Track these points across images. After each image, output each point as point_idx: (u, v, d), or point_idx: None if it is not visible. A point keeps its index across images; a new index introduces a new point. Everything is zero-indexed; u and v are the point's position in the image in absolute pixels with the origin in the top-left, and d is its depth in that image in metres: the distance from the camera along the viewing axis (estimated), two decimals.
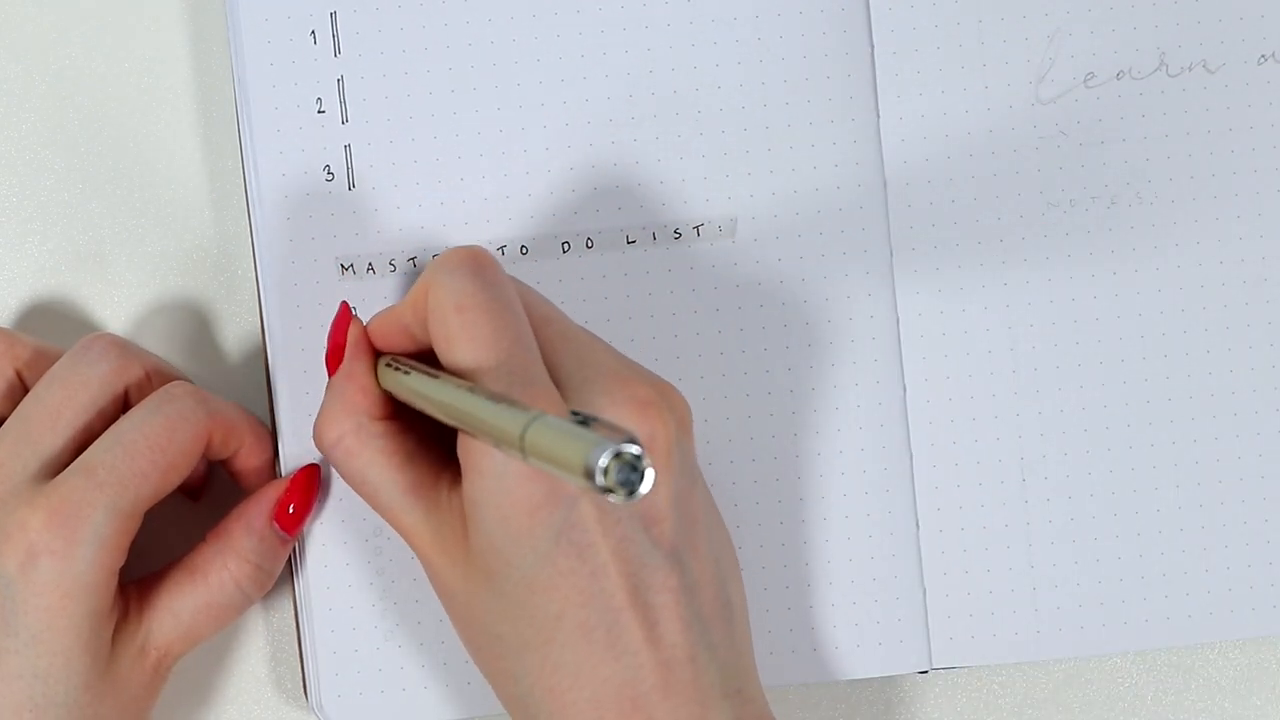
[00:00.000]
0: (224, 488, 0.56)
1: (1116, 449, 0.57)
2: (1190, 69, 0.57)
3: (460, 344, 0.47)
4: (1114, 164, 0.57)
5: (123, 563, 0.50)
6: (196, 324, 0.58)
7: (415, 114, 0.56)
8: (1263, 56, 0.57)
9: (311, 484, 0.55)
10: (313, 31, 0.56)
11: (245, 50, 0.56)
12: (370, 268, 0.56)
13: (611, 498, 0.38)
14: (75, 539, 0.49)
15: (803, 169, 0.57)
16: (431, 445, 0.51)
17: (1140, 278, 0.57)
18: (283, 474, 0.56)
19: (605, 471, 0.38)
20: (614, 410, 0.47)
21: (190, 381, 0.55)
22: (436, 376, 0.47)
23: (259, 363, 0.57)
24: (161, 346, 0.57)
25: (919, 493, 0.57)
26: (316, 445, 0.52)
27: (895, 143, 0.57)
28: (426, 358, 0.50)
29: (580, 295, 0.56)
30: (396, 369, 0.50)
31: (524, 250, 0.56)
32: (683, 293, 0.56)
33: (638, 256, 0.56)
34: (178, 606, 0.53)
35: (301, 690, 0.58)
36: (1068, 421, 0.57)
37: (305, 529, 0.56)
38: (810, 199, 0.57)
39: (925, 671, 0.57)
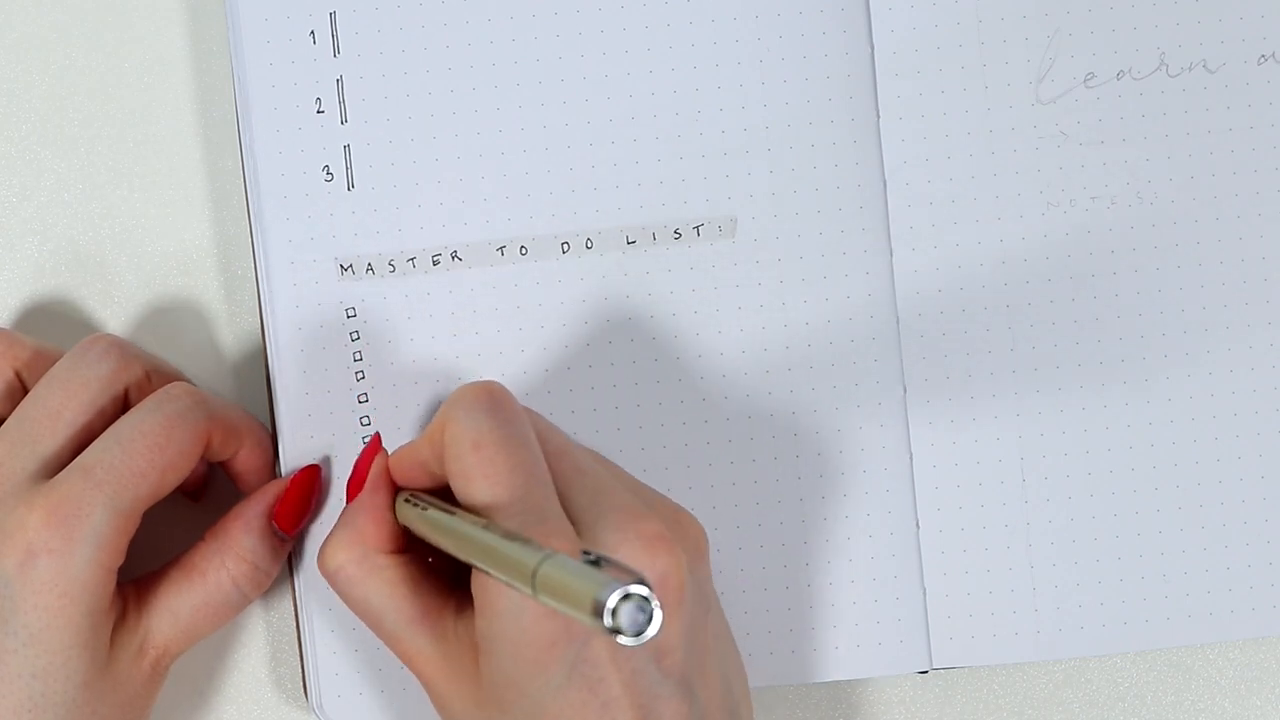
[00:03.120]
0: (223, 488, 0.56)
1: (1116, 449, 0.57)
2: (1190, 69, 0.57)
3: (476, 481, 0.48)
4: (1114, 164, 0.57)
5: (121, 562, 0.50)
6: (196, 324, 0.58)
7: (415, 114, 0.56)
8: (1263, 56, 0.57)
9: (311, 484, 0.55)
10: (312, 31, 0.56)
11: (245, 50, 0.56)
12: (370, 268, 0.56)
13: (620, 639, 0.38)
14: (74, 538, 0.49)
15: (803, 169, 0.57)
16: (437, 575, 0.52)
17: (1140, 278, 0.57)
18: (282, 474, 0.56)
19: (614, 613, 0.38)
20: (626, 547, 0.47)
21: (190, 382, 0.55)
22: (453, 513, 0.48)
23: (259, 363, 0.58)
24: (161, 346, 0.57)
25: (919, 493, 0.57)
26: (319, 569, 0.52)
27: (895, 143, 0.57)
28: (443, 494, 0.51)
29: (580, 295, 0.56)
30: (415, 504, 0.50)
31: (524, 250, 0.56)
32: (683, 293, 0.56)
33: (638, 256, 0.56)
34: (176, 605, 0.53)
35: (301, 690, 0.58)
36: (1068, 421, 0.57)
37: (304, 529, 0.56)
38: (810, 199, 0.57)
39: (925, 671, 0.57)
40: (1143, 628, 0.57)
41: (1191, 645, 0.58)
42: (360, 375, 0.56)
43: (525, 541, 0.43)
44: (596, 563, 0.42)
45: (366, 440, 0.56)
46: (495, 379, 0.54)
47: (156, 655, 0.52)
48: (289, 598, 0.57)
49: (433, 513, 0.49)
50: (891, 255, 0.57)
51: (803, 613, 0.56)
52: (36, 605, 0.49)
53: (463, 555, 0.46)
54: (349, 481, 0.54)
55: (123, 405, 0.52)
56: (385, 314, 0.56)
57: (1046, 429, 0.57)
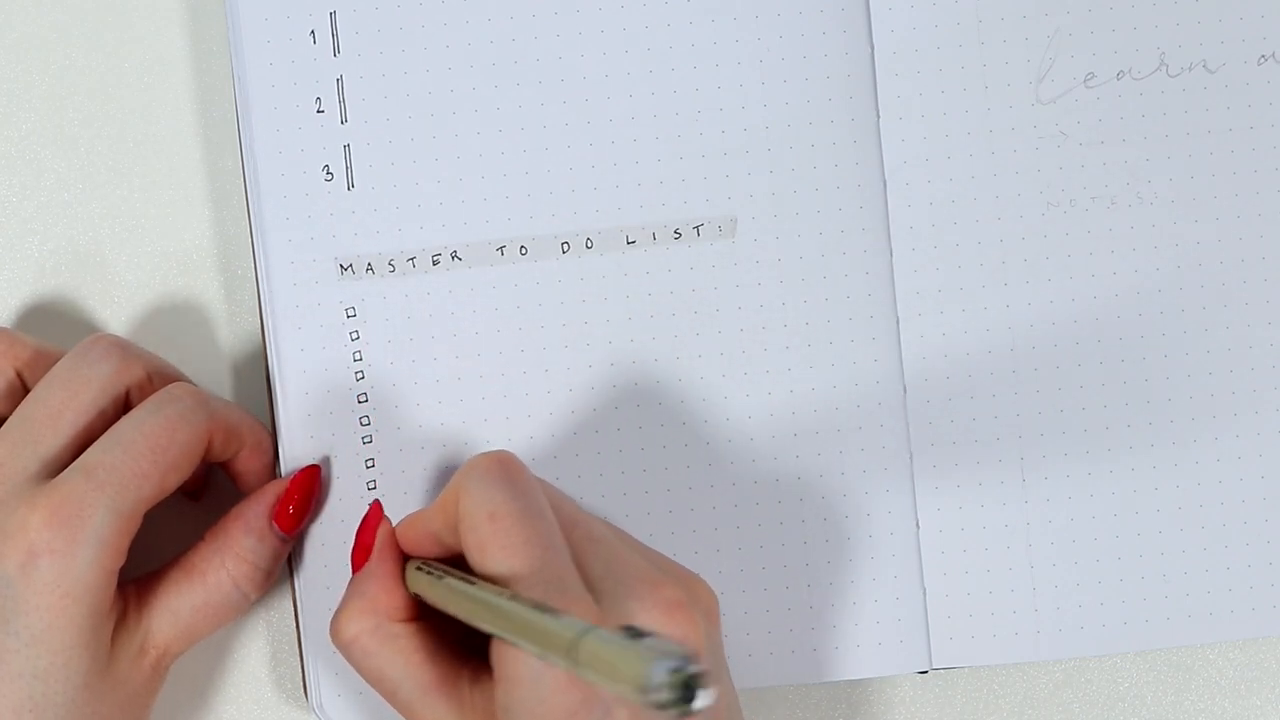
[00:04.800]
0: (224, 488, 0.56)
1: (1116, 449, 0.57)
2: (1190, 69, 0.57)
3: (494, 552, 0.48)
4: (1114, 164, 0.57)
5: (123, 563, 0.50)
6: (196, 324, 0.58)
7: (415, 114, 0.56)
8: (1263, 56, 0.57)
9: (311, 484, 0.55)
10: (312, 31, 0.56)
11: (245, 50, 0.56)
12: (370, 268, 0.56)
13: (668, 712, 0.38)
14: (75, 539, 0.49)
15: (803, 169, 0.57)
16: (448, 642, 0.51)
17: (1140, 278, 0.57)
18: (282, 474, 0.56)
19: (662, 686, 0.38)
20: (645, 614, 0.47)
21: (191, 382, 0.55)
22: (473, 583, 0.47)
23: (259, 363, 0.58)
24: (161, 346, 0.57)
25: (919, 493, 0.57)
26: (332, 641, 0.51)
27: (895, 142, 0.57)
28: (452, 562, 0.50)
29: (580, 295, 0.56)
30: (428, 573, 0.50)
31: (524, 250, 0.56)
32: (683, 293, 0.56)
33: (638, 256, 0.56)
34: (176, 606, 0.53)
35: (301, 690, 0.58)
36: (1068, 421, 0.57)
37: (304, 529, 0.56)
38: (810, 199, 0.57)
39: (925, 671, 0.57)
40: (1143, 628, 0.57)
41: (1191, 645, 0.58)
42: (360, 375, 0.56)
43: (556, 613, 0.43)
44: (638, 636, 0.42)
45: (367, 448, 0.56)
46: (502, 433, 0.55)
47: (157, 655, 0.52)
48: (289, 598, 0.57)
49: (451, 581, 0.48)
50: (891, 255, 0.57)
51: (803, 613, 0.56)
52: (38, 606, 0.49)
53: (486, 626, 0.46)
54: (353, 550, 0.53)
55: (123, 406, 0.52)
56: (385, 314, 0.56)
57: (1046, 429, 0.57)
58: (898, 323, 0.57)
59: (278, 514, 0.54)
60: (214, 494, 0.57)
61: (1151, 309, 0.57)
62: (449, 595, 0.48)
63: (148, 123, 0.58)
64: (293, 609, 0.57)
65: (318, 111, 0.56)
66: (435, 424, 0.56)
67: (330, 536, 0.56)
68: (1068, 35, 0.57)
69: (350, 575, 0.53)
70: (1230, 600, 0.57)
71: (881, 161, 0.57)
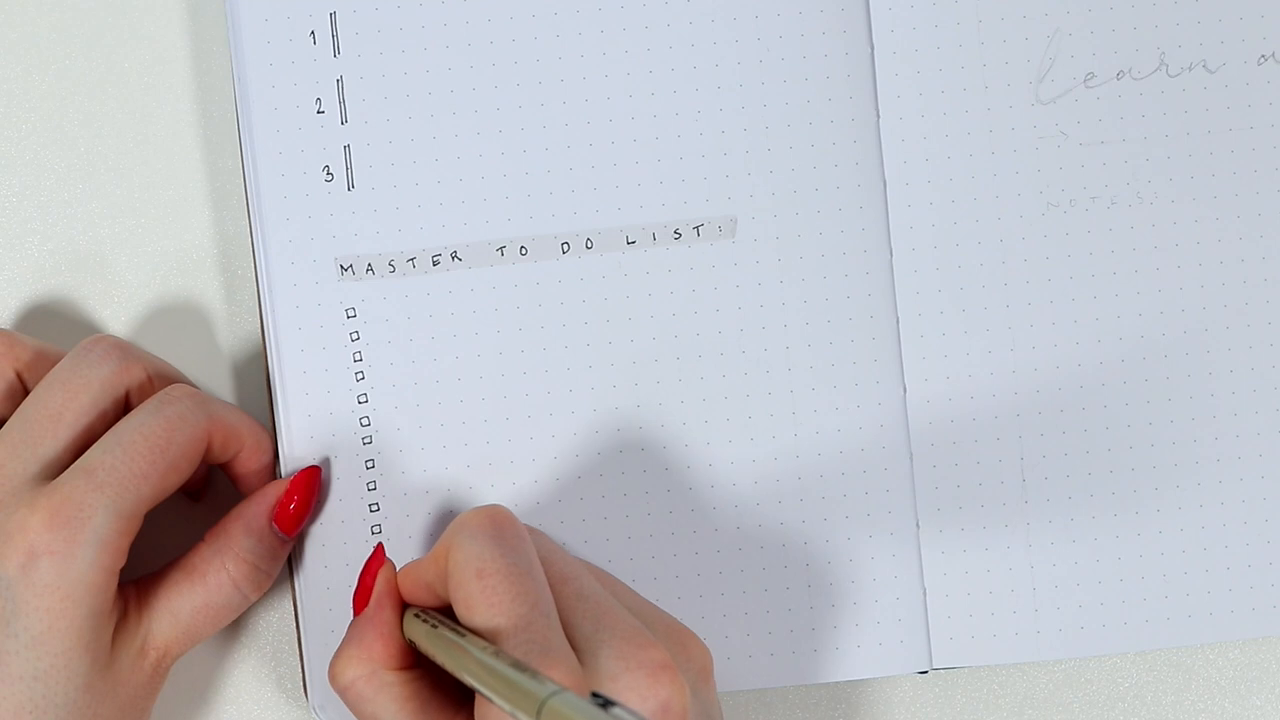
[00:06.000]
0: (224, 488, 0.56)
1: (1116, 449, 0.57)
2: (1190, 69, 0.57)
3: (479, 609, 0.48)
4: (1114, 164, 0.57)
5: (123, 564, 0.50)
6: (196, 324, 0.58)
7: (415, 114, 0.56)
8: (1263, 56, 0.57)
9: (311, 485, 0.55)
10: (312, 32, 0.56)
11: (245, 50, 0.56)
12: (370, 268, 0.56)
13: None
14: (76, 540, 0.49)
15: (803, 169, 0.57)
16: (445, 691, 0.51)
17: (1140, 278, 0.57)
18: (282, 475, 0.56)
19: None
20: (629, 676, 0.47)
21: (191, 384, 0.55)
22: (463, 635, 0.48)
23: (259, 363, 0.58)
24: (161, 347, 0.57)
25: (919, 492, 0.57)
26: (330, 683, 0.51)
27: (895, 143, 0.57)
28: (449, 612, 0.50)
29: (580, 295, 0.56)
30: (425, 621, 0.50)
31: (524, 250, 0.56)
32: (683, 293, 0.56)
33: (638, 256, 0.56)
34: (176, 607, 0.53)
35: (301, 690, 0.58)
36: (1068, 421, 0.57)
37: (304, 529, 0.56)
38: (810, 199, 0.57)
39: (925, 671, 0.57)
40: (1143, 628, 0.57)
41: (1191, 645, 0.58)
42: (360, 375, 0.56)
43: (533, 673, 0.43)
44: (605, 705, 0.42)
45: (367, 448, 0.56)
46: (501, 491, 0.56)
47: (157, 656, 0.52)
48: (289, 598, 0.57)
49: (443, 631, 0.48)
50: (892, 256, 0.57)
51: (803, 613, 0.56)
52: (38, 607, 0.49)
53: (467, 679, 0.46)
54: (355, 593, 0.53)
55: (124, 407, 0.52)
56: (385, 314, 0.56)
57: (1046, 429, 0.57)
58: (897, 323, 0.57)
59: (278, 515, 0.54)
60: (214, 495, 0.57)
61: (1151, 309, 0.57)
62: (438, 645, 0.48)
63: (148, 123, 0.58)
64: (293, 609, 0.57)
65: (318, 112, 0.56)
66: (435, 424, 0.56)
67: (330, 537, 0.56)
68: (1068, 35, 0.57)
69: (350, 613, 0.53)
70: (1230, 600, 0.57)
71: (881, 161, 0.57)
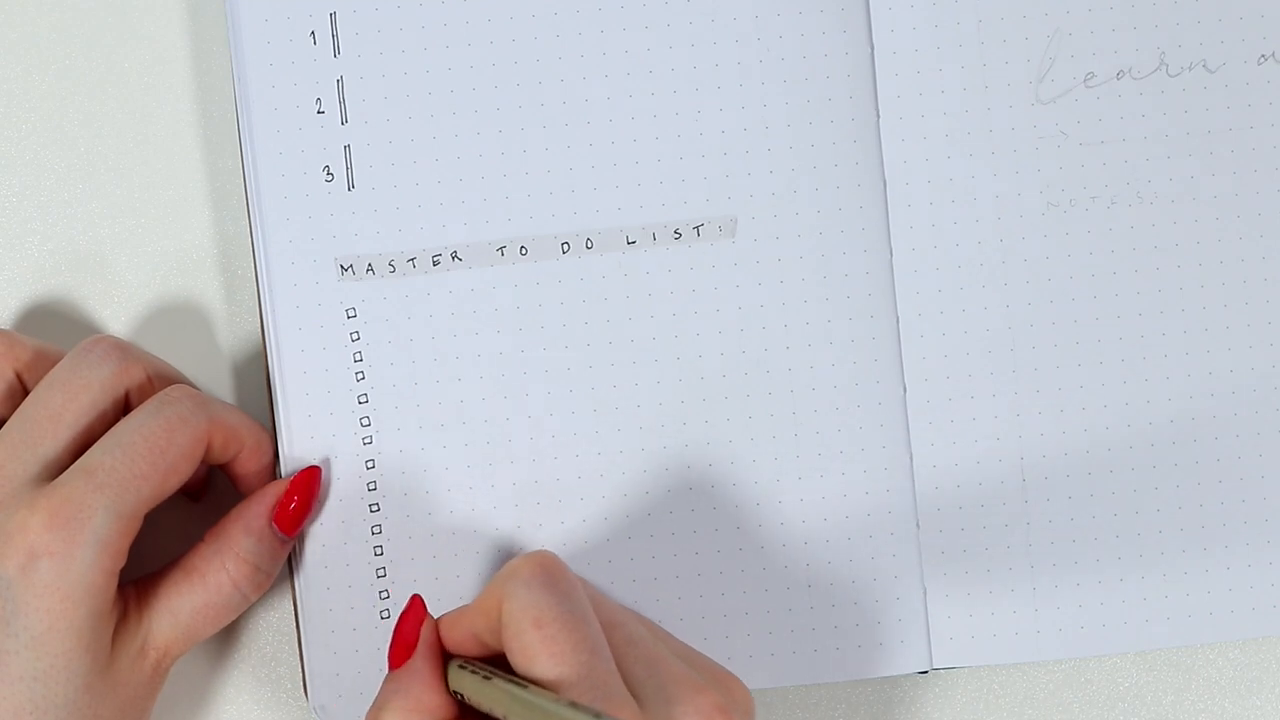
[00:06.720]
0: (224, 488, 0.56)
1: (1116, 449, 0.57)
2: (1190, 69, 0.57)
3: (541, 660, 0.47)
4: (1114, 164, 0.57)
5: (123, 564, 0.50)
6: (197, 324, 0.58)
7: (415, 114, 0.56)
8: (1263, 56, 0.57)
9: (311, 485, 0.55)
10: (312, 32, 0.56)
11: (245, 50, 0.56)
12: (370, 268, 0.56)
13: None
14: (76, 541, 0.49)
15: (803, 169, 0.57)
16: None
17: (1140, 278, 0.57)
18: (282, 475, 0.56)
19: None
20: None
21: (191, 384, 0.55)
22: (525, 686, 0.47)
23: (259, 364, 0.58)
24: (161, 347, 0.57)
25: (919, 492, 0.57)
26: None
27: (895, 143, 0.57)
28: (493, 662, 0.50)
29: (580, 295, 0.56)
30: (474, 672, 0.50)
31: (524, 250, 0.56)
32: (683, 293, 0.56)
33: (638, 256, 0.56)
34: (176, 607, 0.53)
35: (301, 690, 0.58)
36: (1068, 421, 0.57)
37: (304, 529, 0.56)
38: (810, 199, 0.57)
39: (925, 671, 0.57)
40: (1143, 628, 0.57)
41: (1191, 645, 0.58)
42: (360, 375, 0.56)
43: (608, 719, 0.44)
44: None
45: (367, 448, 0.56)
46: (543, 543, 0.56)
47: (157, 657, 0.52)
48: (289, 598, 0.57)
49: (500, 683, 0.48)
50: (892, 255, 0.57)
51: (803, 613, 0.56)
52: (38, 608, 0.49)
53: None
54: (392, 646, 0.51)
55: (123, 408, 0.52)
56: (385, 314, 0.56)
57: (1046, 429, 0.57)
58: (898, 323, 0.57)
59: (278, 515, 0.54)
60: (214, 495, 0.57)
61: (1151, 308, 0.57)
62: (498, 697, 0.48)
63: (148, 123, 0.58)
64: (293, 609, 0.57)
65: (318, 112, 0.56)
66: (435, 424, 0.56)
67: (330, 537, 0.56)
68: (1068, 35, 0.57)
69: (385, 668, 0.52)
70: (1230, 600, 0.57)
71: (881, 161, 0.57)
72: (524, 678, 0.48)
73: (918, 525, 0.57)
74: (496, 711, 0.48)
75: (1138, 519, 0.57)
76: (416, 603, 0.52)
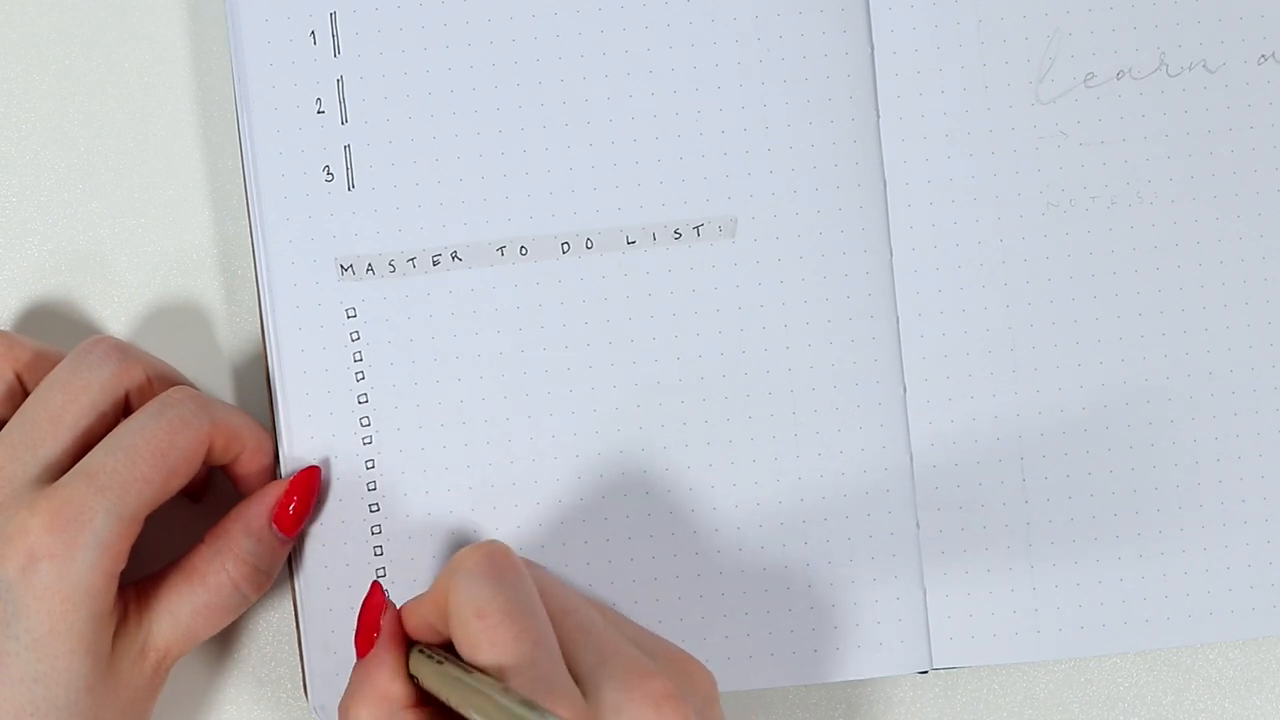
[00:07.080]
0: (224, 489, 0.56)
1: (1116, 449, 0.57)
2: (1190, 69, 0.57)
3: (483, 648, 0.48)
4: (1114, 164, 0.57)
5: (123, 567, 0.50)
6: (197, 324, 0.58)
7: (415, 114, 0.56)
8: (1263, 56, 0.57)
9: (311, 485, 0.55)
10: (312, 32, 0.56)
11: (245, 50, 0.56)
12: (370, 268, 0.56)
13: None
14: (76, 543, 0.49)
15: (803, 169, 0.56)
16: None
17: (1140, 278, 0.57)
18: (282, 475, 0.56)
19: None
20: (632, 708, 0.47)
21: (192, 385, 0.55)
22: (470, 672, 0.48)
23: (259, 364, 0.58)
24: (161, 347, 0.57)
25: (919, 492, 0.57)
26: None
27: (895, 143, 0.57)
28: (452, 648, 0.50)
29: (580, 295, 0.56)
30: (430, 658, 0.50)
31: (524, 250, 0.56)
32: (683, 293, 0.56)
33: (638, 256, 0.56)
34: (176, 608, 0.53)
35: (301, 690, 0.58)
36: (1068, 421, 0.57)
37: (304, 529, 0.56)
38: (810, 199, 0.57)
39: (925, 671, 0.57)
40: (1143, 628, 0.57)
41: (1191, 645, 0.58)
42: (360, 375, 0.56)
43: (539, 709, 0.44)
44: None
45: (367, 448, 0.56)
46: (499, 538, 0.55)
47: (158, 658, 0.52)
48: (289, 598, 0.57)
49: (449, 668, 0.48)
50: (892, 255, 0.57)
51: (803, 613, 0.56)
52: (39, 610, 0.49)
53: (474, 716, 0.46)
54: (357, 634, 0.52)
55: (123, 409, 0.52)
56: (385, 314, 0.56)
57: (1046, 429, 0.57)
58: (898, 322, 0.57)
59: (278, 515, 0.54)
60: (214, 496, 0.57)
61: (1151, 309, 0.57)
62: (444, 682, 0.48)
63: (148, 123, 0.58)
64: (293, 609, 0.57)
65: (318, 112, 0.56)
66: (435, 424, 0.56)
67: (330, 537, 0.56)
68: (1068, 35, 0.57)
69: (350, 645, 0.53)
70: (1230, 600, 0.57)
71: (881, 161, 0.57)
72: (470, 665, 0.48)
73: (918, 525, 0.57)
74: (441, 694, 0.48)
75: (1138, 519, 0.57)
76: (375, 590, 0.52)
